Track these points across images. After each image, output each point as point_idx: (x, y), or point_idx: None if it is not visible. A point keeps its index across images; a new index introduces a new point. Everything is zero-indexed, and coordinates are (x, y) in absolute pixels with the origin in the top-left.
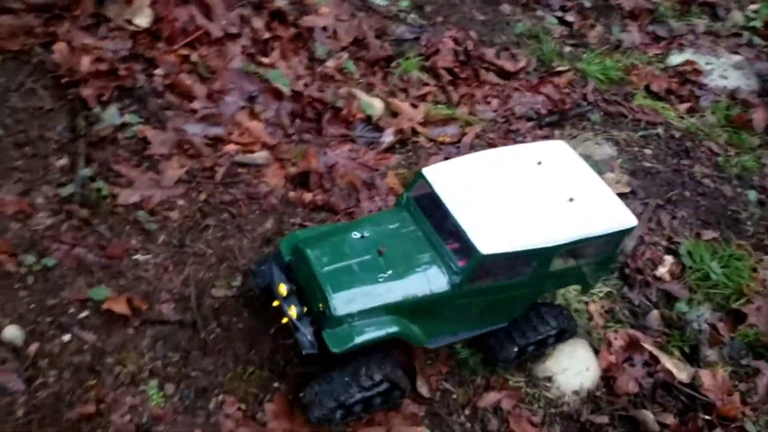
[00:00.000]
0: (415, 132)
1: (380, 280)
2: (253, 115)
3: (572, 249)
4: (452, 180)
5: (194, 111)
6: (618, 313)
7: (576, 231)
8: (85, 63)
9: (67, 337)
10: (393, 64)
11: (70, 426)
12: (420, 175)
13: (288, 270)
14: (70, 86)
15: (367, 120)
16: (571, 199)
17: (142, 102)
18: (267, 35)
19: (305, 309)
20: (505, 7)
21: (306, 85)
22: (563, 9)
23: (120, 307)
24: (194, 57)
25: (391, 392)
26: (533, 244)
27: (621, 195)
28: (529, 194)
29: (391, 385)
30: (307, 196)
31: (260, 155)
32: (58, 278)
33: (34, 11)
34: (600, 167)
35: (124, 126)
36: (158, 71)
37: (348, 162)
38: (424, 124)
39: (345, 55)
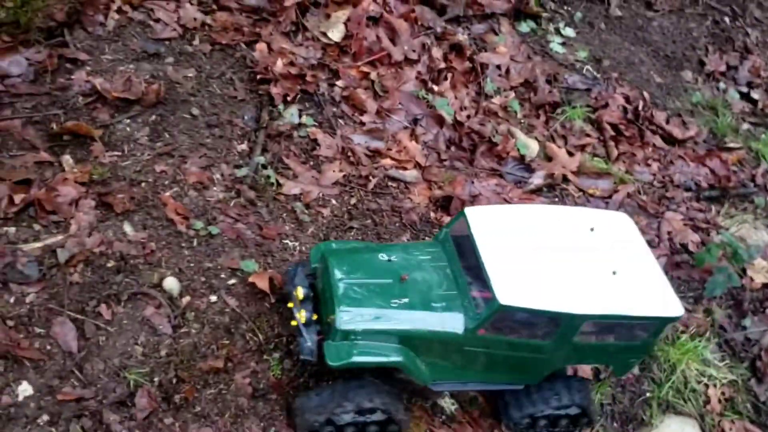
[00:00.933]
0: (566, 179)
1: (393, 305)
2: (413, 136)
3: (602, 324)
4: (494, 226)
5: (362, 123)
6: (739, 404)
7: (608, 306)
8: (279, 65)
9: (213, 298)
10: (558, 111)
11: (200, 374)
12: (462, 214)
13: (312, 277)
14: (262, 82)
15: (520, 159)
16: (614, 273)
17: (319, 107)
18: (442, 65)
19: (315, 317)
20: (687, 74)
21: (468, 117)
22: (750, 85)
23: (262, 282)
24: (373, 75)
25: (386, 426)
26: (558, 307)
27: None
28: (570, 258)
29: (388, 418)
30: (446, 219)
31: (411, 173)
32: (218, 245)
33: (246, 12)
34: (751, 253)
35: (300, 125)
36: (339, 83)
37: (492, 195)
38: (576, 173)
39: (512, 94)
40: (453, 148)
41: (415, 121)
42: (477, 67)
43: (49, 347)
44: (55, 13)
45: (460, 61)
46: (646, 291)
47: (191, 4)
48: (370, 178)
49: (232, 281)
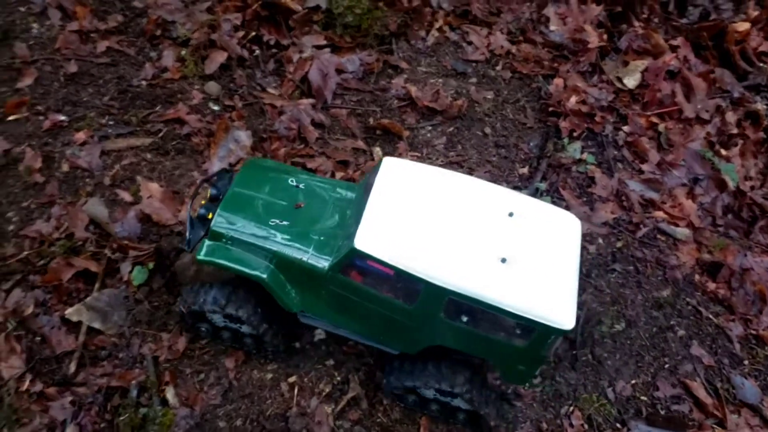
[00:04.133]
0: None
1: (271, 224)
2: (691, 195)
3: (473, 310)
4: (403, 180)
5: (641, 171)
6: None
7: (476, 289)
8: (572, 101)
9: None
10: None
11: None
12: (380, 163)
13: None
14: (552, 115)
15: None
16: (504, 260)
17: (601, 147)
18: (734, 131)
19: (210, 216)
20: None
21: (752, 188)
22: None
23: None
24: (661, 127)
25: (476, 420)
26: (411, 269)
27: None
28: (464, 232)
29: (473, 410)
30: (711, 285)
31: (682, 231)
32: None
33: (548, 47)
34: None
35: (580, 161)
36: (625, 128)
37: (765, 273)
38: None
39: None
40: (730, 216)
41: (696, 181)
42: None
43: None
44: (389, 24)
45: (753, 130)
46: (537, 291)
47: (501, 33)
48: (640, 226)
49: None
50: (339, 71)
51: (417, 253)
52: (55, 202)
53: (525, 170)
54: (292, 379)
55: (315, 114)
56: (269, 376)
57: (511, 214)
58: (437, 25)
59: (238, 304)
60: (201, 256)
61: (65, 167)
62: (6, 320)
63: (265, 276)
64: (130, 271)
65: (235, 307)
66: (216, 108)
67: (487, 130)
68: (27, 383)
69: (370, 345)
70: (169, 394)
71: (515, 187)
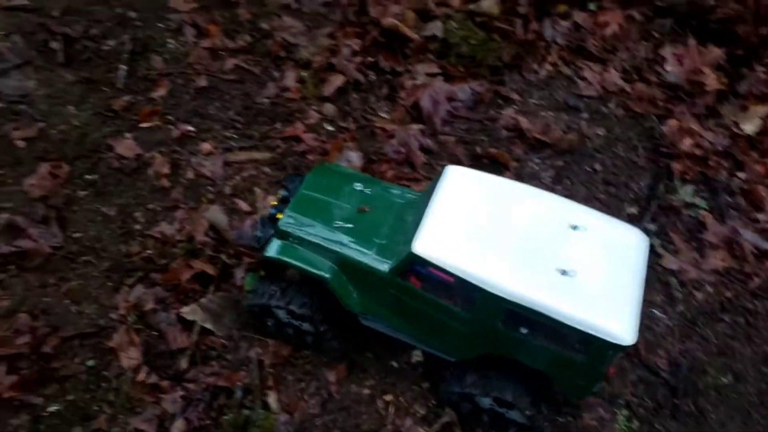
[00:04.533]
0: None
1: (335, 225)
2: None
3: (532, 320)
4: (466, 188)
5: (756, 221)
6: None
7: (533, 298)
8: (686, 143)
9: None
10: None
11: None
12: (444, 171)
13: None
14: (664, 156)
15: None
16: (564, 272)
17: (714, 193)
18: None
19: (279, 216)
20: None
21: None
22: None
23: None
24: None
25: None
26: (470, 275)
27: None
28: (525, 243)
29: (527, 426)
30: None
31: None
32: None
33: (663, 87)
34: None
35: (691, 205)
36: (741, 174)
37: None
38: None
39: None
40: None
41: None
42: None
43: None
44: (503, 55)
45: None
46: (596, 304)
47: (616, 70)
48: (753, 277)
49: None
50: (450, 99)
51: (475, 260)
52: (178, 207)
53: (634, 210)
54: (388, 398)
55: (423, 139)
56: (366, 392)
57: (575, 227)
58: (551, 59)
59: (301, 302)
60: (268, 254)
61: (190, 174)
62: (128, 313)
63: (328, 276)
64: (243, 277)
65: (297, 305)
66: (331, 128)
67: (597, 166)
68: (143, 375)
69: (428, 351)
70: (271, 398)
71: None
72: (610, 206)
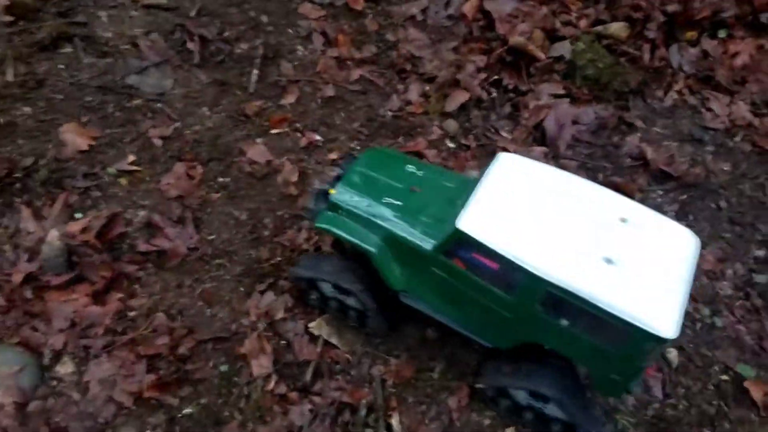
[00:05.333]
0: None
1: (384, 202)
2: None
3: (572, 306)
4: (516, 174)
5: None
6: None
7: (575, 283)
8: None
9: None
10: None
11: None
12: (497, 156)
13: None
14: None
15: None
16: (609, 260)
17: None
18: None
19: (332, 191)
20: None
21: None
22: None
23: (757, 391)
24: None
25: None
26: (513, 255)
27: None
28: (571, 229)
29: (569, 422)
30: None
31: None
32: (716, 337)
33: None
34: None
35: None
36: None
37: None
38: None
39: None
40: None
41: None
42: None
43: None
44: (629, 80)
45: None
46: (639, 295)
47: (744, 103)
48: None
49: (724, 377)
50: (574, 122)
51: (519, 241)
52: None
53: (761, 253)
54: (509, 430)
55: (546, 162)
56: (487, 422)
57: (624, 220)
58: (677, 87)
59: (347, 276)
60: (318, 224)
61: (317, 184)
62: (258, 320)
63: (373, 249)
64: None
65: (343, 279)
66: (452, 145)
67: (722, 203)
68: (272, 384)
69: (466, 335)
70: (394, 420)
71: (752, 270)
72: (736, 246)
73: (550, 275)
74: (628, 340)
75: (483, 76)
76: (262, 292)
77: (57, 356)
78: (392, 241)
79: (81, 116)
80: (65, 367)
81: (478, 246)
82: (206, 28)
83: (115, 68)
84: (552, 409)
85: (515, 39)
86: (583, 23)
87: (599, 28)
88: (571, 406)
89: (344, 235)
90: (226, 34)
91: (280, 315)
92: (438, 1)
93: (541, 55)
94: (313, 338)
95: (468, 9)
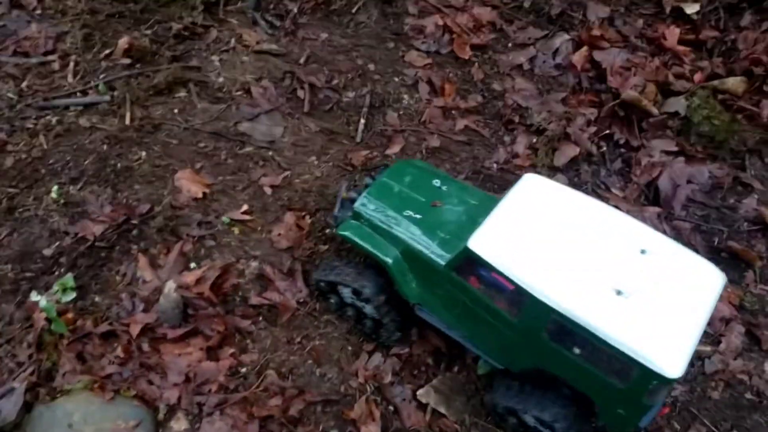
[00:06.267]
0: None
1: (405, 214)
2: None
3: (577, 336)
4: (537, 197)
5: None
6: None
7: (579, 312)
8: None
9: None
10: None
11: None
12: (522, 177)
13: None
14: None
15: None
16: (620, 293)
17: None
18: None
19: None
20: None
21: None
22: None
23: None
24: None
25: None
26: (521, 278)
27: None
28: (585, 258)
29: None
30: None
31: None
32: None
33: None
34: None
35: None
36: None
37: None
38: None
39: None
40: None
41: None
42: None
43: None
44: (747, 138)
45: None
46: (647, 331)
47: None
48: None
49: None
50: (689, 182)
51: (529, 264)
52: None
53: None
54: None
55: (659, 224)
56: None
57: (643, 251)
58: None
59: (365, 283)
60: (339, 231)
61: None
62: (366, 382)
63: (390, 260)
64: (477, 360)
65: (361, 284)
66: None
67: None
68: None
69: (476, 353)
70: None
71: None
72: None
73: (553, 302)
74: (632, 376)
75: (593, 129)
76: (369, 353)
77: (171, 411)
78: (408, 252)
79: (195, 162)
80: (179, 424)
81: (486, 267)
82: (315, 75)
83: (228, 114)
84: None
85: (628, 93)
86: (697, 77)
87: (715, 82)
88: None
89: (363, 244)
90: (335, 82)
91: (388, 379)
92: (546, 51)
93: (655, 111)
94: (421, 405)
95: (577, 59)
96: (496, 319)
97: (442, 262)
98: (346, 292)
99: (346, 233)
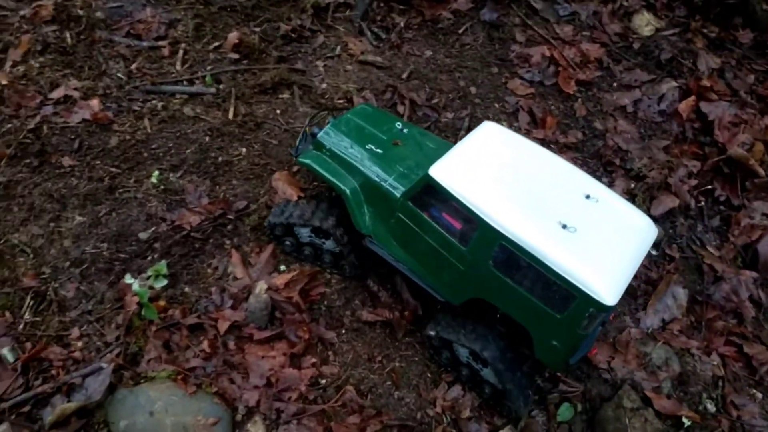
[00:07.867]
0: None
1: (366, 148)
2: None
3: (521, 262)
4: (496, 139)
5: None
6: None
7: (527, 238)
8: None
9: None
10: None
11: None
12: (482, 123)
13: None
14: None
15: None
16: (564, 226)
17: None
18: None
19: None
20: None
21: None
22: None
23: None
24: None
25: (499, 401)
26: (476, 206)
27: None
28: (536, 196)
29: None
30: None
31: None
32: None
33: None
34: None
35: None
36: None
37: None
38: None
39: None
40: None
41: None
42: None
43: None
44: None
45: None
46: (587, 261)
47: None
48: None
49: None
50: None
51: (483, 195)
52: None
53: None
54: None
55: (755, 290)
56: None
57: (588, 197)
58: None
59: (323, 217)
60: (299, 159)
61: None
62: (443, 412)
63: (347, 190)
64: (557, 404)
65: (319, 220)
66: (654, 252)
67: None
68: None
69: (421, 286)
70: None
71: None
72: None
73: (504, 228)
74: (569, 304)
75: (694, 182)
76: (449, 384)
77: (249, 414)
78: (366, 184)
79: (292, 165)
80: (256, 427)
81: (443, 194)
82: (416, 92)
83: (327, 121)
84: (488, 374)
85: (736, 150)
86: None
87: None
88: (505, 374)
89: (322, 172)
90: (435, 100)
91: (466, 414)
92: (651, 95)
93: (761, 171)
94: None
95: (683, 108)
96: (446, 249)
97: (398, 194)
98: (303, 232)
99: (306, 160)
